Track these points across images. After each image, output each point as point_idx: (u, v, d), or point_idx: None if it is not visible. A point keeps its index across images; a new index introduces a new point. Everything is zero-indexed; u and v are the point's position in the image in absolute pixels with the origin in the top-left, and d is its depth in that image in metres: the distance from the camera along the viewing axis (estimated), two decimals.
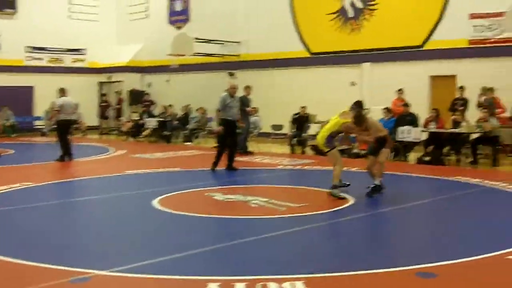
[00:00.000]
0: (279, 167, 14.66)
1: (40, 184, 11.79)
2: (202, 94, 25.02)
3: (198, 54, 24.00)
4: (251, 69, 23.87)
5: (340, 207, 9.31)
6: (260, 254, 6.67)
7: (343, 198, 9.81)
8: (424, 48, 19.33)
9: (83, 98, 27.21)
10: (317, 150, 15.56)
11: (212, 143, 20.30)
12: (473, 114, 16.29)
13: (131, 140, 23.43)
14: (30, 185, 11.47)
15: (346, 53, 21.22)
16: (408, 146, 16.00)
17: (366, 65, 20.81)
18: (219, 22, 24.73)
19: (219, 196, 10.22)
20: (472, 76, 17.69)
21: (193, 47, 23.15)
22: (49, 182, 12.30)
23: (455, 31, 18.37)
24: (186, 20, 27.11)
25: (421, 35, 19.34)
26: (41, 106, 26.61)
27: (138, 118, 24.24)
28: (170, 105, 23.92)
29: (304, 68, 22.53)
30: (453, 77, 18.45)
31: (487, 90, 16.47)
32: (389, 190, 10.33)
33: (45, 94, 24.52)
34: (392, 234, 7.98)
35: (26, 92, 27.57)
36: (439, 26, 18.97)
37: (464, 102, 16.80)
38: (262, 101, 20.86)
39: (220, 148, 14.02)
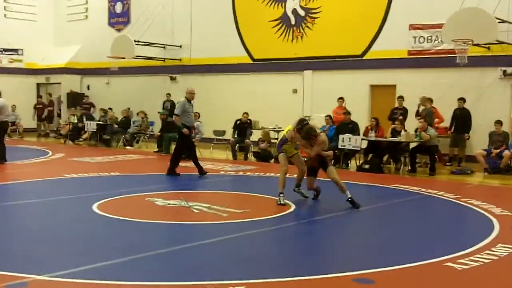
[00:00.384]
0: (221, 173, 14.61)
1: None
2: (143, 97, 24.87)
3: (139, 57, 23.81)
4: (193, 73, 23.79)
5: (281, 214, 9.31)
6: (201, 260, 6.60)
7: (284, 205, 9.83)
8: (365, 58, 19.60)
9: (20, 99, 26.75)
10: None
11: (154, 147, 20.14)
12: (412, 124, 16.61)
13: (70, 144, 22.98)
14: None
15: (288, 61, 21.34)
16: (349, 154, 16.19)
17: (308, 73, 20.97)
18: (160, 26, 24.54)
19: (160, 201, 10.09)
20: (412, 86, 18.07)
21: (134, 50, 22.92)
22: None
23: (395, 41, 18.71)
24: (126, 23, 26.84)
25: (362, 45, 19.62)
26: None
27: (77, 121, 23.82)
28: (110, 108, 23.58)
29: (247, 74, 22.57)
30: (393, 86, 18.79)
31: (426, 100, 16.81)
32: (329, 197, 10.44)
33: None
34: (331, 241, 8.01)
35: None
36: (379, 36, 19.28)
37: (403, 112, 17.10)
38: (205, 107, 20.83)
39: (179, 152, 13.95)
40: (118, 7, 27.29)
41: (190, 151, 14.04)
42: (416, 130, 15.70)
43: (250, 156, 18.13)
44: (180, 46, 24.47)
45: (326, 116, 17.24)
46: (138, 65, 25.10)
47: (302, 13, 21.14)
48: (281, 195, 9.89)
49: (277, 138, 19.04)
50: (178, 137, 14.10)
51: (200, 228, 8.39)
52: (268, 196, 10.66)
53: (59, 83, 28.62)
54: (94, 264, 6.15)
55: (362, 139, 15.93)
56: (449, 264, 6.48)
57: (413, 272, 6.26)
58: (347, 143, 15.67)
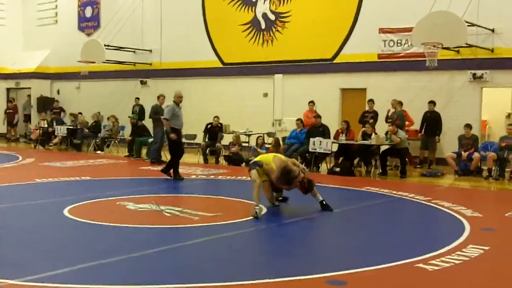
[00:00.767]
0: (192, 176, 14.59)
1: None
2: (113, 102, 24.75)
3: (109, 61, 23.65)
4: (163, 78, 23.71)
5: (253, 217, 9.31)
6: (174, 263, 6.58)
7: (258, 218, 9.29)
8: (335, 61, 19.69)
9: None
10: None
11: (124, 152, 20.02)
12: (382, 127, 16.74)
13: (40, 148, 22.75)
14: None
15: (259, 65, 21.38)
16: (320, 157, 16.27)
17: (278, 77, 21.00)
18: (130, 30, 24.45)
19: (131, 206, 10.04)
20: (382, 89, 18.23)
21: (104, 54, 22.76)
22: None
23: (365, 45, 18.83)
24: (96, 27, 26.67)
25: (332, 49, 19.70)
26: None
27: (47, 126, 23.57)
28: (80, 113, 23.38)
29: (217, 78, 22.55)
30: (363, 90, 18.92)
31: (397, 104, 16.95)
32: (300, 200, 10.41)
33: None
34: (303, 243, 8.02)
35: None
36: (349, 40, 19.38)
37: (374, 115, 17.23)
38: None
39: (174, 156, 13.97)
40: (88, 11, 27.08)
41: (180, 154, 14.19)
42: (386, 133, 15.84)
43: (221, 160, 18.11)
44: (151, 51, 24.38)
45: (297, 120, 17.32)
46: (109, 69, 24.94)
47: (272, 17, 21.19)
48: (256, 208, 9.33)
49: (248, 142, 19.16)
50: (168, 144, 14.28)
51: (172, 231, 8.36)
52: (239, 200, 10.65)
53: (29, 88, 28.30)
54: (66, 269, 6.10)
55: (333, 142, 16.02)
56: (420, 265, 6.54)
57: (385, 273, 6.31)
58: (318, 146, 15.74)
